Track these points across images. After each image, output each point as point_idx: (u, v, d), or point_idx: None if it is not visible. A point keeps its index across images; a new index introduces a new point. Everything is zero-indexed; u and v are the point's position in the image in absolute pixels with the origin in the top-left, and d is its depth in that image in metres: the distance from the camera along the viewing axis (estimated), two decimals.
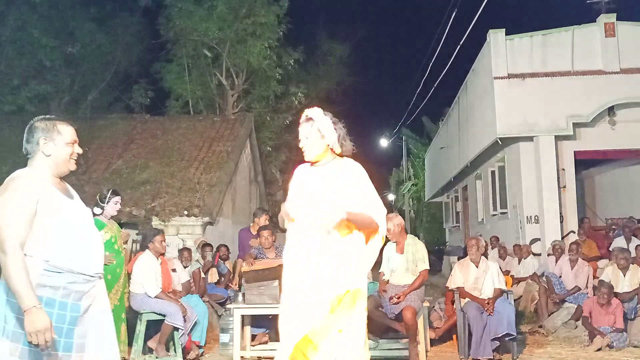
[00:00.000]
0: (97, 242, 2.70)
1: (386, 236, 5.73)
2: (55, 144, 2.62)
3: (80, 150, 2.73)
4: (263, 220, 7.08)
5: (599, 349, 5.95)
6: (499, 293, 5.72)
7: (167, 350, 5.75)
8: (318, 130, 2.99)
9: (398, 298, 5.44)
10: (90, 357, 2.54)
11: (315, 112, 3.04)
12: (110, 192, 5.46)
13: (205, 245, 8.03)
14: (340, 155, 3.08)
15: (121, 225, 6.00)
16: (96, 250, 2.67)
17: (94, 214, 5.48)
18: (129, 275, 5.70)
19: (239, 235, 7.81)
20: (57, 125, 2.65)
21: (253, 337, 6.13)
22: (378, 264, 5.98)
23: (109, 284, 5.43)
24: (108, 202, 5.36)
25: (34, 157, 2.63)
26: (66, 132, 2.66)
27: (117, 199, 5.43)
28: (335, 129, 3.02)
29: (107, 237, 5.28)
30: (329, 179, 2.99)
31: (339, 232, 2.89)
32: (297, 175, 3.16)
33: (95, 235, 2.72)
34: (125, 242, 5.64)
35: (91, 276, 2.59)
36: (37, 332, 2.28)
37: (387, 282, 5.71)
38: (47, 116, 2.71)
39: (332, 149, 3.03)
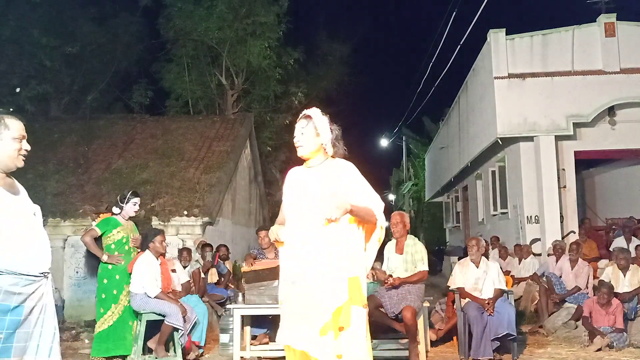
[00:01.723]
0: (42, 240, 2.60)
1: (391, 231, 5.76)
2: (2, 139, 2.54)
3: (28, 147, 2.64)
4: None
5: (599, 349, 5.95)
6: (500, 293, 5.71)
7: (167, 350, 5.75)
8: (314, 128, 3.06)
9: (394, 280, 5.42)
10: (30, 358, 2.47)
11: (313, 111, 3.12)
12: (130, 192, 5.66)
13: (205, 246, 8.02)
14: (332, 157, 3.14)
15: None
16: (42, 248, 2.57)
17: (113, 213, 5.55)
18: (129, 275, 5.70)
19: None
20: (4, 119, 2.57)
21: (254, 337, 6.13)
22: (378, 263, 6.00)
23: (119, 284, 5.50)
24: (127, 202, 5.55)
25: None
26: (14, 127, 2.58)
27: (137, 200, 5.63)
28: (331, 129, 3.09)
29: (119, 236, 5.36)
30: (326, 179, 3.04)
31: (345, 222, 2.95)
32: (290, 178, 3.20)
33: (41, 233, 2.61)
34: (137, 247, 5.68)
35: (36, 276, 2.51)
36: None
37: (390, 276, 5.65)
38: None
39: (324, 149, 3.09)
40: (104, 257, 5.50)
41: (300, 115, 3.15)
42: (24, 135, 2.62)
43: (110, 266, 5.54)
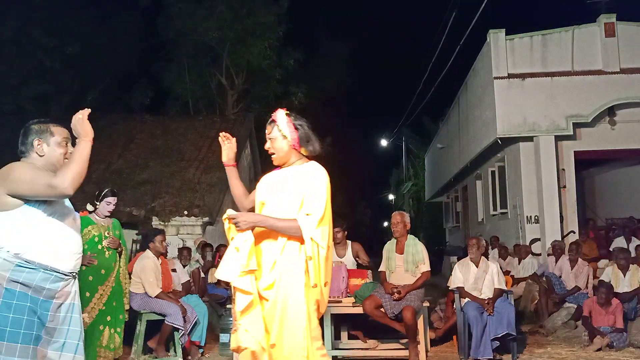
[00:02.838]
0: (77, 243, 2.74)
1: (393, 231, 5.75)
2: (49, 145, 2.73)
3: (72, 150, 2.75)
4: None
5: (599, 349, 5.95)
6: (499, 293, 5.72)
7: (167, 350, 5.75)
8: (279, 130, 2.96)
9: (399, 293, 5.43)
10: (53, 356, 2.57)
11: (276, 113, 3.02)
12: (107, 190, 5.35)
13: (205, 245, 8.03)
14: (308, 157, 3.03)
15: (122, 225, 5.86)
16: (75, 250, 2.71)
17: (88, 211, 5.32)
18: (129, 275, 5.68)
19: None
20: (49, 127, 2.76)
21: None
22: (378, 264, 6.00)
23: (92, 286, 5.04)
24: (101, 200, 5.24)
25: (29, 156, 2.73)
26: (58, 133, 2.76)
27: (111, 199, 5.27)
28: (296, 128, 2.96)
29: (91, 235, 5.07)
30: (292, 181, 2.92)
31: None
32: (261, 182, 3.09)
33: (77, 237, 2.76)
34: (119, 250, 5.32)
35: (65, 275, 2.64)
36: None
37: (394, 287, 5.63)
38: (42, 119, 2.82)
39: (296, 150, 2.98)
40: None
41: (268, 120, 3.06)
42: (69, 139, 2.79)
43: (83, 267, 5.25)
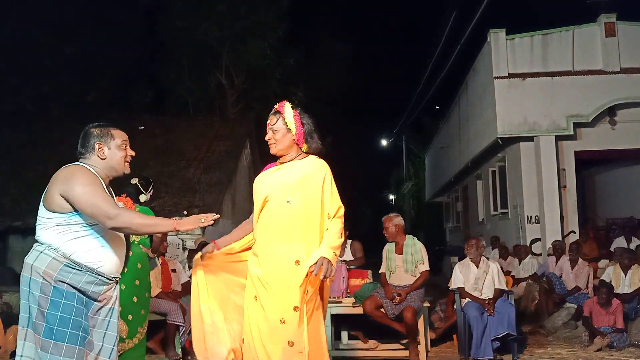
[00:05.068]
0: (123, 247, 2.76)
1: (385, 236, 5.74)
2: (110, 148, 2.76)
3: (133, 153, 2.84)
4: None
5: (599, 349, 5.95)
6: (500, 293, 5.71)
7: (164, 349, 5.71)
8: (285, 123, 2.95)
9: (399, 296, 5.43)
10: (89, 358, 2.58)
11: (282, 106, 3.02)
12: (149, 179, 5.15)
13: (206, 245, 8.01)
14: (307, 153, 3.03)
15: None
16: (121, 255, 2.73)
17: (140, 203, 4.97)
18: None
19: None
20: (110, 130, 2.79)
21: None
22: (377, 264, 5.99)
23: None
24: (152, 189, 5.07)
25: (89, 159, 2.74)
26: (118, 136, 2.79)
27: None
28: (302, 123, 2.97)
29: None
30: (298, 175, 2.93)
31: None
32: (262, 180, 3.06)
33: (123, 242, 2.78)
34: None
35: (109, 279, 2.65)
36: (192, 226, 2.67)
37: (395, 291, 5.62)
38: (101, 122, 2.84)
39: (297, 145, 2.98)
40: None
41: (271, 111, 3.05)
42: (127, 141, 2.83)
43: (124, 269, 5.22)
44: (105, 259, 2.63)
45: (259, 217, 2.98)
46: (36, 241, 2.61)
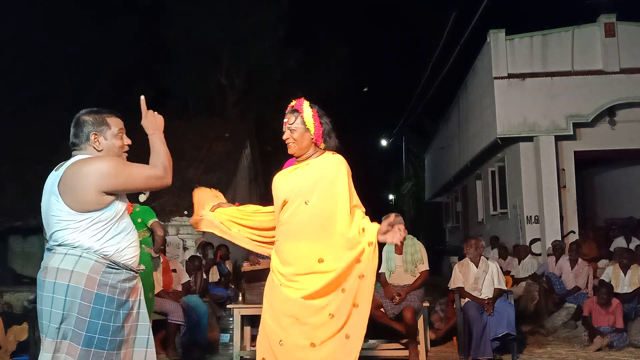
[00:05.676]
0: (136, 235, 2.66)
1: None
2: (106, 138, 2.57)
3: (129, 141, 2.68)
4: None
5: (599, 349, 5.96)
6: (499, 293, 5.72)
7: (164, 349, 5.72)
8: (303, 122, 2.87)
9: (399, 296, 5.43)
10: (131, 352, 2.54)
11: (300, 104, 2.92)
12: None
13: (206, 245, 8.02)
14: (323, 150, 2.97)
15: None
16: (137, 244, 2.64)
17: (140, 203, 5.14)
18: None
19: None
20: (105, 118, 2.59)
21: (254, 337, 6.11)
22: (378, 265, 5.99)
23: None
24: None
25: (84, 150, 2.55)
26: (113, 124, 2.60)
27: None
28: (321, 123, 2.91)
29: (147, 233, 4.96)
30: (318, 172, 2.89)
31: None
32: (280, 181, 3.00)
33: (135, 230, 2.67)
34: None
35: (135, 272, 2.57)
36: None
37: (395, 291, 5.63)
38: (94, 108, 2.64)
39: (315, 144, 2.92)
40: None
41: (288, 108, 2.95)
42: (124, 129, 2.64)
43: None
44: (131, 252, 2.54)
45: (279, 217, 2.94)
46: (60, 245, 2.43)
